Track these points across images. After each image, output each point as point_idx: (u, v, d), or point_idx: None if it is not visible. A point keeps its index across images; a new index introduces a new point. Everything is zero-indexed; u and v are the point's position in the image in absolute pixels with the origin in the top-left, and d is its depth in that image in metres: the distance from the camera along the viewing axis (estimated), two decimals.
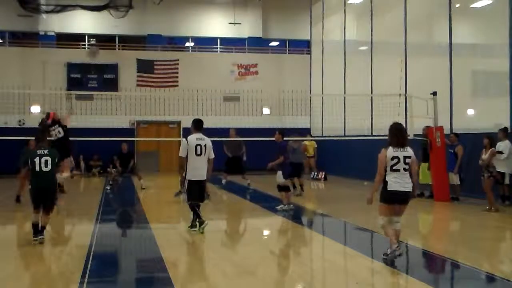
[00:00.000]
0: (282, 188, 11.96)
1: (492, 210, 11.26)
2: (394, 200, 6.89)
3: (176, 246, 8.55)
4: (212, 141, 9.16)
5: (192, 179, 8.87)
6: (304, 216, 12.40)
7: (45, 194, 8.17)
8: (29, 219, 10.85)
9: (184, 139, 8.96)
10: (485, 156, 11.54)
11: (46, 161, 8.00)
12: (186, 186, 9.00)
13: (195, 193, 8.97)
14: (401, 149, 6.86)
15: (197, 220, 9.03)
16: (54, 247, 8.15)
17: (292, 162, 15.26)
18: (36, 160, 7.99)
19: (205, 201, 9.66)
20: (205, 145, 8.87)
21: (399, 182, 6.81)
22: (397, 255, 6.78)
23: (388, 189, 6.84)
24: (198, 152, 8.77)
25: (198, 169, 8.83)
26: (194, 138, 8.87)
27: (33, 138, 13.74)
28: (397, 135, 6.94)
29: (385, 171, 6.86)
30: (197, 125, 9.06)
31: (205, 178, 9.01)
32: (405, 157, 6.83)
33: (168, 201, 13.38)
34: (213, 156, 9.04)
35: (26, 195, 13.23)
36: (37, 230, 8.16)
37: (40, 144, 8.29)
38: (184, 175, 9.03)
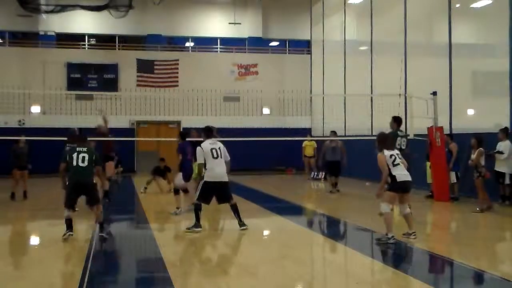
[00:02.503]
0: (177, 191, 11.58)
1: (483, 210, 11.24)
2: (404, 189, 8.20)
3: (176, 246, 8.57)
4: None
5: (210, 180, 9.12)
6: (304, 216, 12.41)
7: (82, 189, 8.52)
8: (28, 219, 10.92)
9: (199, 147, 9.31)
10: (473, 156, 11.55)
11: (83, 157, 8.47)
12: (200, 186, 9.19)
13: (206, 194, 9.20)
14: (391, 150, 8.33)
15: (196, 222, 9.11)
16: (54, 247, 8.15)
17: (329, 161, 15.36)
18: (74, 156, 8.46)
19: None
20: (219, 148, 9.29)
21: (404, 173, 8.19)
22: (390, 242, 7.93)
23: (398, 180, 8.08)
24: (215, 155, 9.17)
25: (216, 171, 9.13)
26: (207, 143, 9.30)
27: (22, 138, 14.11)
28: (386, 142, 8.46)
29: (389, 169, 8.11)
30: (208, 132, 9.56)
31: (225, 179, 9.27)
32: (397, 154, 8.33)
33: (168, 201, 13.36)
34: (228, 158, 9.43)
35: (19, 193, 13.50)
36: (70, 225, 8.43)
37: (80, 143, 8.80)
38: (202, 176, 9.29)
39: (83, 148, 8.61)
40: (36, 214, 11.67)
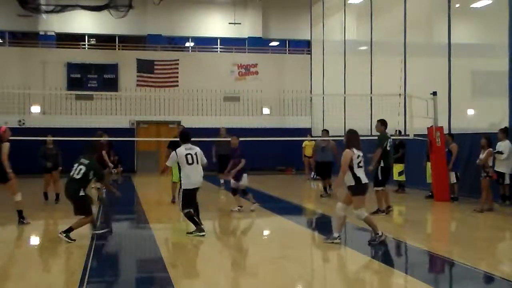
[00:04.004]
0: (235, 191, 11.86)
1: (484, 210, 11.24)
2: (366, 192, 8.21)
3: (176, 246, 8.57)
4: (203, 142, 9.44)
5: (188, 187, 8.98)
6: (304, 216, 12.41)
7: (69, 200, 8.82)
8: (30, 219, 10.91)
9: (173, 152, 9.16)
10: (482, 156, 11.54)
11: (79, 170, 8.65)
12: (181, 196, 9.06)
13: (191, 201, 9.05)
14: (359, 150, 8.16)
15: (197, 227, 8.95)
16: (55, 247, 8.16)
17: (318, 162, 15.12)
18: (75, 166, 8.73)
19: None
20: (195, 153, 9.06)
21: (365, 176, 8.16)
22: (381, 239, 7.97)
23: (363, 182, 8.06)
24: (190, 161, 8.95)
25: (193, 177, 8.97)
26: (183, 149, 9.08)
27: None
28: (357, 139, 8.30)
29: (351, 168, 7.99)
30: (185, 137, 9.31)
31: (200, 185, 9.16)
32: (361, 156, 8.18)
33: (168, 201, 13.38)
34: (205, 161, 9.30)
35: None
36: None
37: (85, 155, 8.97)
38: (179, 185, 9.27)
39: (85, 161, 8.69)
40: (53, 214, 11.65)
